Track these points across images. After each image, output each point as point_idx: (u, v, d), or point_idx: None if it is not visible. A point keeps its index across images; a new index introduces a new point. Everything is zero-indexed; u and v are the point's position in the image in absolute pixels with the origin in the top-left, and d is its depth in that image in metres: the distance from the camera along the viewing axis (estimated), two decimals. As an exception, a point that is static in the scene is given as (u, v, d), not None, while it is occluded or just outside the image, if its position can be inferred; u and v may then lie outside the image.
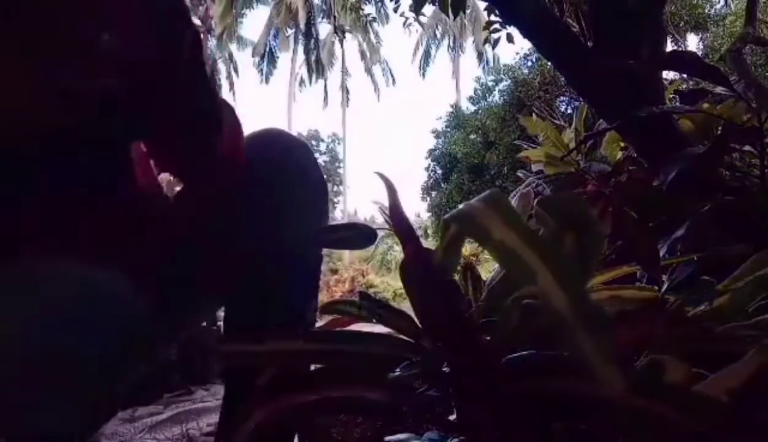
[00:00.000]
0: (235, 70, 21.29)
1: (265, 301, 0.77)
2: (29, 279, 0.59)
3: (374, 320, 0.46)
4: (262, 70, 21.44)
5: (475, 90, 13.17)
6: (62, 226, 0.62)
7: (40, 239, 0.61)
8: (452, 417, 0.41)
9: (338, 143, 26.51)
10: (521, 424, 0.28)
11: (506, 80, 11.75)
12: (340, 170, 25.53)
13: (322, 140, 27.36)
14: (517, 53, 11.93)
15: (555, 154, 2.13)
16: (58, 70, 0.58)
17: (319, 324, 0.64)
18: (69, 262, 0.60)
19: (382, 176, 0.35)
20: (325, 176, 1.10)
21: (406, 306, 0.46)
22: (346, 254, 16.52)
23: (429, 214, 12.97)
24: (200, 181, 0.73)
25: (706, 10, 10.31)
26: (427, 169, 13.30)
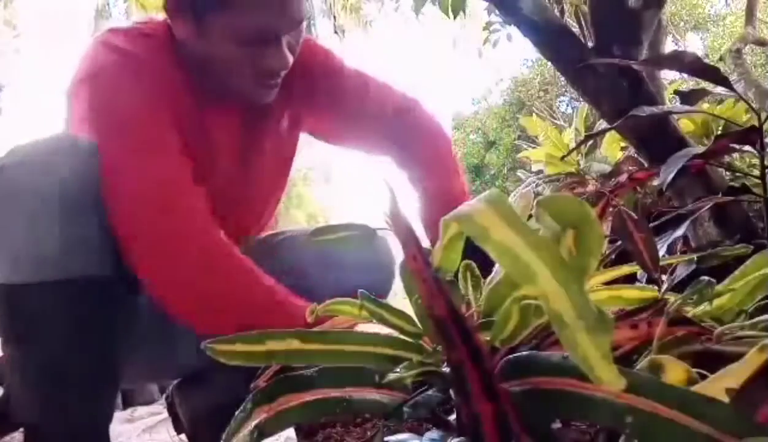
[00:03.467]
0: (235, 70, 21.26)
1: None
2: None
3: (374, 320, 0.46)
4: (262, 70, 21.38)
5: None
6: None
7: None
8: (452, 417, 0.41)
9: (338, 143, 26.48)
10: (521, 424, 0.28)
11: (506, 80, 11.75)
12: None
13: (322, 140, 27.34)
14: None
15: (555, 154, 2.13)
16: None
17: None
18: None
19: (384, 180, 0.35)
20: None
21: (406, 306, 0.46)
22: (346, 254, 16.45)
23: (429, 214, 12.93)
24: None
25: (706, 10, 10.31)
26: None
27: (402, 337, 0.43)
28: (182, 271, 0.80)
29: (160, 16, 0.94)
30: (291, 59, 0.89)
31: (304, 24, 0.91)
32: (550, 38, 1.23)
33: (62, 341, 0.76)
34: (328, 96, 1.06)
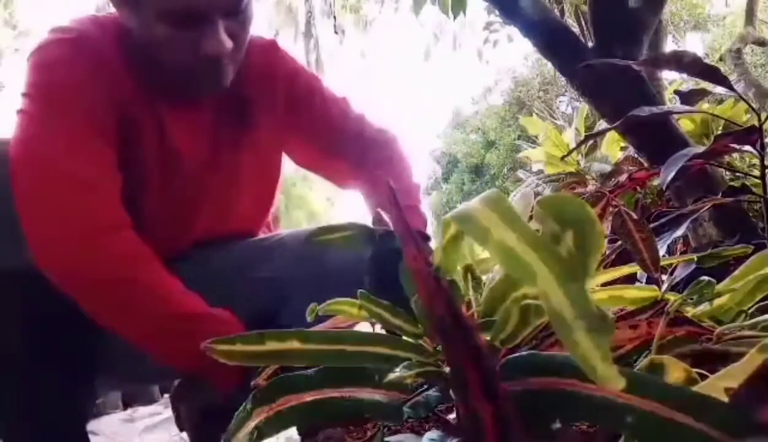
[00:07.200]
0: (235, 71, 21.34)
1: None
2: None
3: (374, 320, 0.46)
4: (261, 70, 21.44)
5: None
6: None
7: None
8: (452, 417, 0.41)
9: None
10: (521, 424, 0.28)
11: (506, 80, 11.76)
12: (340, 170, 25.57)
13: (322, 140, 27.45)
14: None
15: (555, 154, 2.13)
16: None
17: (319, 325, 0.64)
18: None
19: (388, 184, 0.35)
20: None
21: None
22: (346, 253, 16.48)
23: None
24: None
25: (706, 10, 10.32)
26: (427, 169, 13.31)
27: (402, 337, 0.43)
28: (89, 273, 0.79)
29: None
30: (230, 45, 0.84)
31: (250, 11, 0.86)
32: (550, 38, 1.23)
33: (17, 338, 0.78)
34: (310, 119, 1.05)
